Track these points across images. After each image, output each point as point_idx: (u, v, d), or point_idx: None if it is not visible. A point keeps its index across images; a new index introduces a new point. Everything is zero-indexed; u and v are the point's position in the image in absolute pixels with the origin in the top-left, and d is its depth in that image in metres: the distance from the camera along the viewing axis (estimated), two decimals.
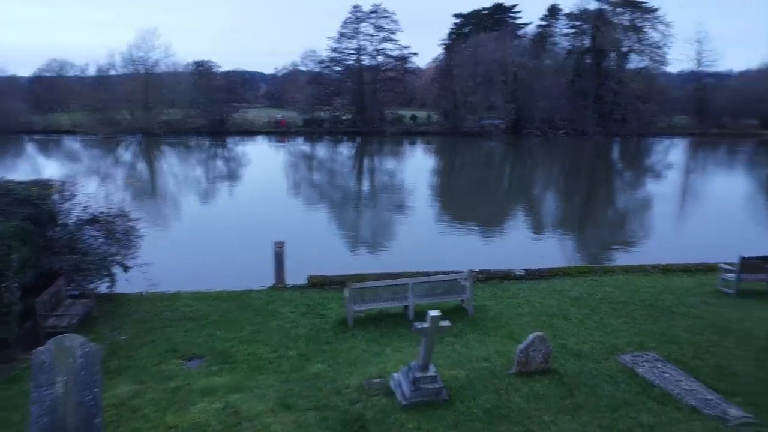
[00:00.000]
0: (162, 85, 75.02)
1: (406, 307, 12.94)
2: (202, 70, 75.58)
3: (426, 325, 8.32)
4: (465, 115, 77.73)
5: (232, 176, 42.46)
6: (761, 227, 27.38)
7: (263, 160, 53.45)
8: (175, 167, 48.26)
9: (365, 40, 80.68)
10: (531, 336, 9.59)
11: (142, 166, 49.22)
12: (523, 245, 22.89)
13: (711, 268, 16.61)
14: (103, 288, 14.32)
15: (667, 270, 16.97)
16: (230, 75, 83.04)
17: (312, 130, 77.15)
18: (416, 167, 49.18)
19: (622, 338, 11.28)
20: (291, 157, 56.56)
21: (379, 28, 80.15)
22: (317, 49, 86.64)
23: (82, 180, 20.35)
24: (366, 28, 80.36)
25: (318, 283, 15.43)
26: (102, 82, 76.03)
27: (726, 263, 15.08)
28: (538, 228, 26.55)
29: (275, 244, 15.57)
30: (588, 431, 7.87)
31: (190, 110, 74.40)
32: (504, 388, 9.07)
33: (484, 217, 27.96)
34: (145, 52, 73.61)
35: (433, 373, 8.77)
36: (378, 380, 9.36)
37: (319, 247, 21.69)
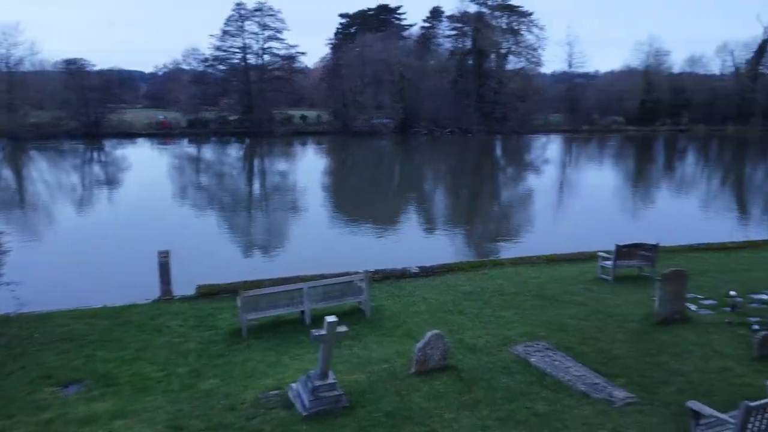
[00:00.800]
0: (28, 86, 68.93)
1: (302, 312, 12.60)
2: (73, 68, 70.13)
3: (323, 332, 8.08)
4: (354, 114, 78.13)
5: (111, 182, 39.73)
6: (630, 215, 29.67)
7: (145, 163, 50.56)
8: (46, 174, 44.46)
9: (250, 38, 78.76)
10: (428, 334, 9.63)
11: (7, 173, 44.87)
12: (417, 242, 23.24)
13: (590, 257, 17.64)
14: None
15: (551, 260, 17.85)
16: (105, 74, 77.77)
17: (197, 132, 74.17)
18: (308, 167, 48.70)
19: (514, 329, 11.65)
20: (175, 159, 53.95)
21: (264, 27, 78.49)
22: (200, 47, 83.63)
23: None
24: (251, 26, 78.46)
25: (208, 292, 14.68)
26: None
27: (603, 251, 16.08)
28: (429, 224, 27.08)
29: (159, 253, 14.62)
30: (487, 425, 7.99)
31: (61, 112, 68.95)
32: (405, 389, 9.03)
33: (378, 216, 28.12)
34: (7, 49, 67.53)
35: (332, 380, 8.54)
36: (276, 392, 8.99)
37: (209, 254, 20.76)
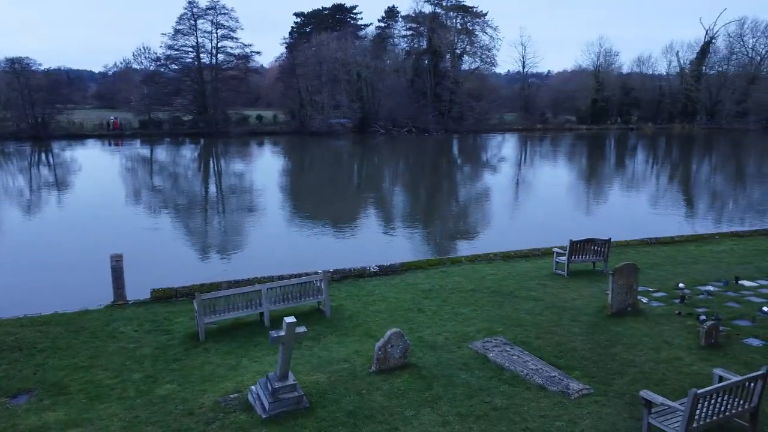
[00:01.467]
0: None
1: (261, 314, 12.46)
2: (17, 68, 67.56)
3: (282, 333, 8.01)
4: (312, 114, 77.73)
5: (60, 184, 38.43)
6: (583, 212, 30.40)
7: (96, 165, 49.08)
8: None
9: (204, 37, 77.43)
10: (388, 333, 9.66)
11: None
12: (376, 242, 23.28)
13: (546, 253, 18.05)
14: None
15: (507, 257, 18.15)
16: (52, 73, 75.34)
17: (150, 132, 72.53)
18: (265, 168, 48.16)
19: (472, 326, 11.79)
20: (128, 161, 52.57)
21: (218, 26, 77.23)
22: (151, 46, 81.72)
23: None
24: (204, 24, 77.09)
25: (163, 296, 14.37)
26: None
27: (558, 247, 16.45)
28: (388, 223, 27.15)
29: (112, 257, 14.23)
30: (448, 420, 8.07)
31: (6, 113, 66.35)
32: (366, 388, 9.04)
33: (337, 216, 28.04)
34: None
35: (292, 382, 8.47)
36: (235, 395, 8.87)
37: (164, 257, 20.34)
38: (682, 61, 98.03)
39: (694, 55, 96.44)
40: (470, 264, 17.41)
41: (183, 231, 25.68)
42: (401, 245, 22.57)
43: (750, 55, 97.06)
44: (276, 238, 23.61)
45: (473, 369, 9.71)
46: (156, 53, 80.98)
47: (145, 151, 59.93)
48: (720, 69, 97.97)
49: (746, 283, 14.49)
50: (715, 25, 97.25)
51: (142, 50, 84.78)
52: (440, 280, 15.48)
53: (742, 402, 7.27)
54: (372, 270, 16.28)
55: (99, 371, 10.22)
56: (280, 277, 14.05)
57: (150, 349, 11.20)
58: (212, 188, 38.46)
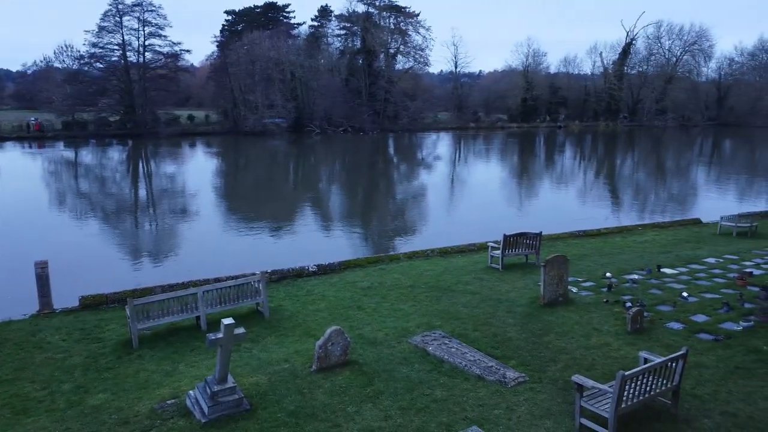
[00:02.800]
0: None
1: (198, 317, 12.19)
2: None
3: (219, 335, 7.88)
4: (245, 114, 76.41)
5: None
6: (516, 207, 31.31)
7: (17, 169, 46.51)
8: None
9: (130, 34, 74.51)
10: (328, 330, 9.67)
11: None
12: (314, 241, 23.17)
13: (481, 247, 18.50)
14: None
15: (444, 252, 18.49)
16: None
17: (74, 134, 69.27)
18: (199, 169, 46.97)
19: (412, 321, 11.95)
20: (51, 164, 50.04)
21: (145, 23, 74.60)
22: (74, 44, 78.09)
23: None
24: (130, 21, 74.21)
25: (92, 303, 13.81)
26: None
27: (493, 242, 16.90)
28: (326, 223, 27.08)
29: (36, 264, 13.57)
30: (389, 414, 8.17)
31: None
32: (307, 387, 9.02)
33: (274, 216, 27.72)
34: None
35: (231, 384, 8.35)
36: (172, 401, 8.65)
37: (93, 263, 19.53)
38: (605, 62, 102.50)
39: (617, 56, 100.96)
40: (408, 261, 17.62)
41: (113, 236, 24.72)
42: (340, 244, 22.57)
43: (666, 56, 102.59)
44: (212, 240, 23.11)
45: (413, 363, 9.85)
46: (79, 51, 77.44)
47: (69, 154, 57.23)
48: (640, 69, 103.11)
49: (667, 270, 15.33)
50: (635, 27, 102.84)
51: (65, 48, 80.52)
52: (379, 278, 15.59)
53: (665, 381, 7.72)
54: (310, 269, 16.22)
55: (25, 384, 9.74)
56: (217, 280, 13.78)
57: (80, 358, 10.76)
58: (142, 191, 37.18)
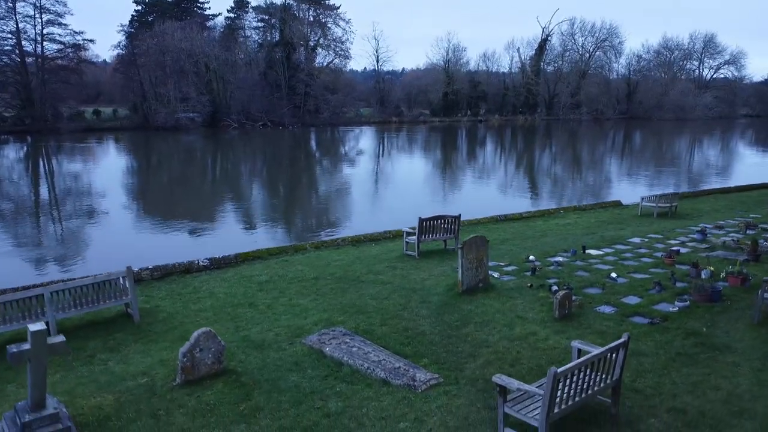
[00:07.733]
0: None
1: (46, 323, 9.86)
2: None
3: (26, 346, 5.81)
4: (156, 108, 72.04)
5: None
6: (439, 199, 30.02)
7: None
8: None
9: (25, 22, 68.47)
10: (195, 334, 7.72)
11: None
12: (232, 238, 20.73)
13: (397, 235, 16.92)
14: None
15: (356, 241, 16.80)
16: None
17: None
18: (106, 167, 42.98)
19: (310, 317, 10.15)
20: None
21: (42, 9, 68.79)
22: None
23: None
24: (25, 8, 68.43)
25: None
26: None
27: (408, 228, 15.31)
28: (245, 220, 24.70)
29: None
30: None
31: None
32: (164, 407, 7.05)
33: (188, 215, 24.96)
34: None
35: (52, 411, 6.26)
36: None
37: None
38: (522, 58, 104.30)
39: (533, 52, 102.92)
40: (316, 251, 15.79)
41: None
42: (260, 241, 20.23)
43: (580, 52, 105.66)
44: (121, 242, 20.19)
45: (305, 368, 8.07)
46: None
47: None
48: (556, 65, 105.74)
49: (593, 251, 14.28)
50: (550, 23, 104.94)
51: None
52: (280, 270, 13.68)
53: (604, 376, 6.29)
54: (201, 264, 14.07)
55: None
56: (72, 280, 11.44)
57: None
58: (43, 192, 33.12)
